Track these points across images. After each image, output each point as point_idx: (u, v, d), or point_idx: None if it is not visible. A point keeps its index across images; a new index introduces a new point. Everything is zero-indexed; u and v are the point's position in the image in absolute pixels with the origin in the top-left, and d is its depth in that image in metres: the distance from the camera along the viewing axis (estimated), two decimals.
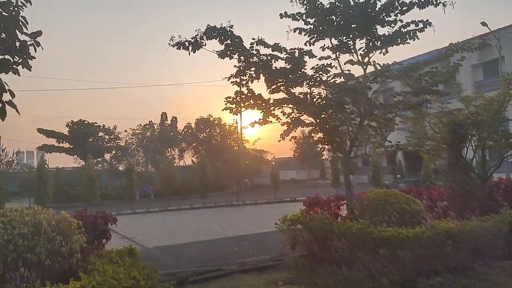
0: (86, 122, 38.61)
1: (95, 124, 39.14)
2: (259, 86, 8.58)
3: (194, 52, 8.13)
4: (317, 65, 8.51)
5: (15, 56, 6.09)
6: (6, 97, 6.02)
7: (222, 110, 8.88)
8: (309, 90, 8.53)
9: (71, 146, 38.04)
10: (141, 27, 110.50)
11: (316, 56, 8.50)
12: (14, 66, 6.12)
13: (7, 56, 5.97)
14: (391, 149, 9.31)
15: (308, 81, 8.00)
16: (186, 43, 7.94)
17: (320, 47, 8.96)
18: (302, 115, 8.66)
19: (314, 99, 8.38)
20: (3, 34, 5.78)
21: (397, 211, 6.67)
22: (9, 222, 4.18)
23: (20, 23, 5.89)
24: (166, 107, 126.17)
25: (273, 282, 6.62)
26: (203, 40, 7.89)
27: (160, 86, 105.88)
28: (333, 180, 28.05)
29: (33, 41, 6.37)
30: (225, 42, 7.89)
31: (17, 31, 5.99)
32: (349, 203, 7.88)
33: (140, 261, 5.04)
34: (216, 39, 7.90)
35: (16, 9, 5.95)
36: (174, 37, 8.04)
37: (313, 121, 8.56)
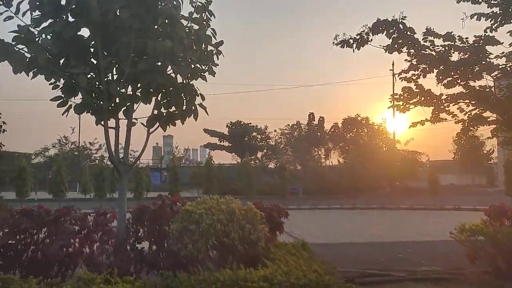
0: (242, 123, 42.22)
1: (249, 125, 42.46)
2: (425, 81, 7.90)
3: (358, 49, 7.97)
4: (503, 52, 7.36)
5: (203, 65, 6.98)
6: (197, 100, 6.94)
7: (388, 108, 8.50)
8: (493, 83, 7.43)
9: (230, 145, 42.15)
10: (294, 30, 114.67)
11: (502, 42, 7.35)
12: (202, 74, 7.02)
13: (197, 65, 6.89)
14: None
15: (496, 72, 6.96)
16: (351, 40, 7.84)
17: (508, 32, 7.71)
18: (484, 112, 7.60)
19: (502, 93, 7.25)
20: (194, 46, 6.68)
21: None
22: (209, 208, 4.80)
23: (211, 35, 6.70)
24: (314, 107, 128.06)
25: None
26: (369, 36, 7.67)
27: (309, 86, 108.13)
28: (508, 187, 23.95)
29: (216, 50, 7.18)
30: (393, 35, 7.50)
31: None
32: None
33: (315, 256, 5.17)
34: (383, 33, 7.58)
35: (204, 23, 6.79)
36: (338, 35, 8.03)
37: (499, 118, 7.42)
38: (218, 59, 7.04)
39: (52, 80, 5.83)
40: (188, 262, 5.10)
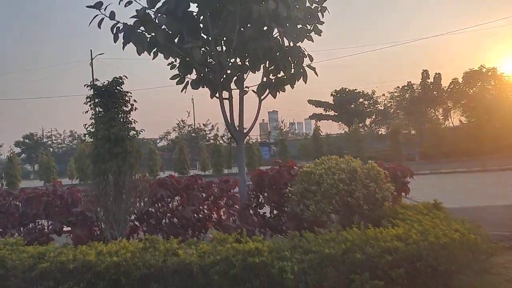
0: (347, 90, 40.69)
1: (355, 91, 40.73)
2: None
3: None
4: None
5: (308, 24, 6.68)
6: (305, 62, 6.73)
7: None
8: None
9: (336, 114, 41.14)
10: None
11: None
12: (308, 34, 6.74)
13: (302, 26, 6.62)
14: None
15: None
16: None
17: None
18: None
19: None
20: (297, 5, 6.40)
21: None
22: (328, 168, 4.65)
23: None
24: (427, 64, 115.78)
25: None
26: None
27: (417, 41, 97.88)
28: None
29: (320, 7, 6.80)
30: None
31: None
32: None
33: (453, 216, 4.66)
34: None
35: None
36: None
37: None
38: (323, 17, 6.70)
39: (170, 60, 6.28)
40: (309, 224, 5.07)
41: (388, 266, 3.49)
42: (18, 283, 3.75)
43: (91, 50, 39.54)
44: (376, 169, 4.75)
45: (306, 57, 6.49)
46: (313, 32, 6.55)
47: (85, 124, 5.09)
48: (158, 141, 51.10)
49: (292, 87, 6.63)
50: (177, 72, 6.43)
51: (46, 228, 5.82)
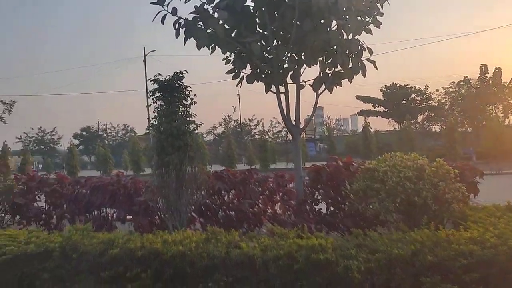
0: (398, 85, 39.18)
1: (407, 86, 39.13)
2: None
3: None
4: None
5: (365, 16, 6.50)
6: (364, 55, 6.54)
7: None
8: None
9: (386, 110, 39.78)
10: None
11: None
12: (366, 27, 6.55)
13: (361, 18, 6.44)
14: None
15: None
16: None
17: None
18: None
19: None
20: None
21: None
22: (393, 166, 4.46)
23: None
24: (486, 58, 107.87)
25: None
26: None
27: (475, 34, 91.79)
28: None
29: None
30: None
31: None
32: None
33: None
34: None
35: None
36: None
37: None
38: (382, 8, 6.46)
39: (225, 55, 6.34)
40: (368, 222, 4.92)
41: (462, 270, 3.29)
42: (89, 267, 3.95)
43: (144, 47, 41.00)
44: (445, 167, 4.50)
45: (365, 50, 6.31)
46: (371, 25, 6.35)
47: (148, 118, 5.26)
48: (204, 136, 52.18)
49: (350, 82, 6.46)
50: (232, 67, 6.48)
51: (110, 216, 6.12)
